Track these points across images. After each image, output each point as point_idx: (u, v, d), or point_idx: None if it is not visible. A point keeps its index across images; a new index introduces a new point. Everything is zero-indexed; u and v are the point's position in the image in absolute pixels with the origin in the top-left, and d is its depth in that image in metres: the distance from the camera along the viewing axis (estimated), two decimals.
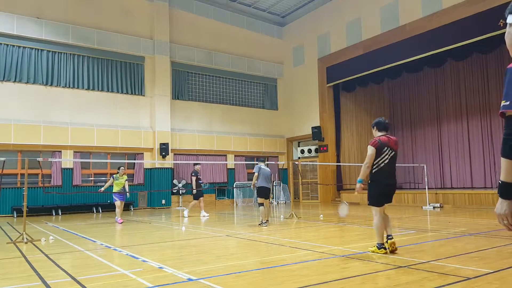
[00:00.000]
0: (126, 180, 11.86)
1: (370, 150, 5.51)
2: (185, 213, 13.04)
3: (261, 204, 9.85)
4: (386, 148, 5.53)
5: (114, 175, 11.80)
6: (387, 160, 5.52)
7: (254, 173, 10.09)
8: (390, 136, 5.69)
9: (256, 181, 9.95)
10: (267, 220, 9.98)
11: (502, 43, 14.60)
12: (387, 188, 5.58)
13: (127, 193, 12.36)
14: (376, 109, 21.72)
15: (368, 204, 5.65)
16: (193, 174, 12.76)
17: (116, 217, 11.67)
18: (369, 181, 5.61)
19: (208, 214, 13.15)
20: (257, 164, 10.26)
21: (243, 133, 21.16)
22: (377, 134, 5.73)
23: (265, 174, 9.96)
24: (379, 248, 5.54)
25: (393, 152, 5.58)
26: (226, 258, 5.75)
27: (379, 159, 5.50)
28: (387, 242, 5.56)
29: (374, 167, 5.54)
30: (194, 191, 12.76)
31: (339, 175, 19.66)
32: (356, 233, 8.11)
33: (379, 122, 5.82)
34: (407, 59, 16.18)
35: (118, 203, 11.65)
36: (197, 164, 13.29)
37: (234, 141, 20.72)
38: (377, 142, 5.55)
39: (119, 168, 11.93)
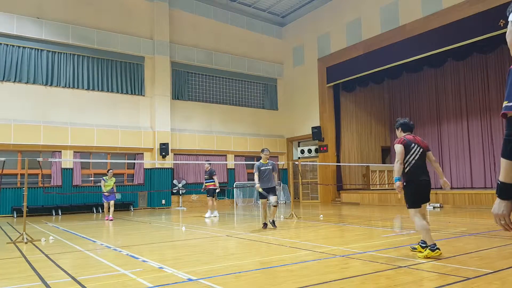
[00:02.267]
0: (114, 182, 12.82)
1: (398, 148, 5.37)
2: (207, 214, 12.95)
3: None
4: (413, 144, 5.41)
5: (104, 177, 12.70)
6: (417, 156, 5.37)
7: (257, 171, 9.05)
8: (415, 136, 5.59)
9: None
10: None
11: (502, 43, 14.69)
12: (424, 184, 5.37)
13: (115, 194, 13.15)
14: (376, 109, 21.75)
15: (408, 208, 5.37)
16: None
17: (105, 216, 12.70)
18: (404, 183, 5.38)
19: (208, 216, 12.86)
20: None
21: (243, 133, 21.16)
22: (401, 135, 5.59)
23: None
24: (433, 250, 5.08)
25: (422, 149, 5.43)
26: (226, 258, 5.75)
27: (409, 156, 5.36)
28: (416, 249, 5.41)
29: (406, 165, 5.36)
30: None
31: (339, 175, 19.66)
32: (356, 233, 8.10)
33: (405, 123, 5.66)
34: (407, 59, 16.17)
35: (106, 204, 12.66)
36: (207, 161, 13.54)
37: (234, 141, 20.72)
38: (404, 139, 5.43)
39: (108, 171, 12.81)
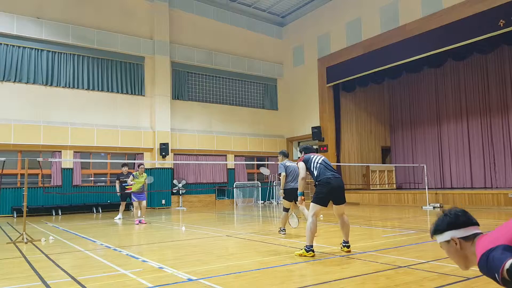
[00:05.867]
0: (145, 178, 11.07)
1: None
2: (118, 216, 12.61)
3: (286, 210, 8.27)
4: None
5: (134, 173, 11.12)
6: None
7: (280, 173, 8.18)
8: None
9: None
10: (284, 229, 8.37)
11: (502, 43, 14.69)
12: None
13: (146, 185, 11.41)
14: (376, 109, 21.74)
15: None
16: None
17: (134, 219, 11.02)
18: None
19: (120, 218, 12.24)
20: (282, 159, 8.33)
21: (243, 133, 21.16)
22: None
23: (293, 172, 8.05)
24: (307, 251, 5.49)
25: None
26: (226, 258, 5.75)
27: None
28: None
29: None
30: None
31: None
32: (356, 233, 8.10)
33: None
34: (407, 59, 16.16)
35: (136, 203, 10.93)
36: (124, 165, 12.97)
37: (234, 141, 20.72)
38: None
39: (139, 166, 11.18)
